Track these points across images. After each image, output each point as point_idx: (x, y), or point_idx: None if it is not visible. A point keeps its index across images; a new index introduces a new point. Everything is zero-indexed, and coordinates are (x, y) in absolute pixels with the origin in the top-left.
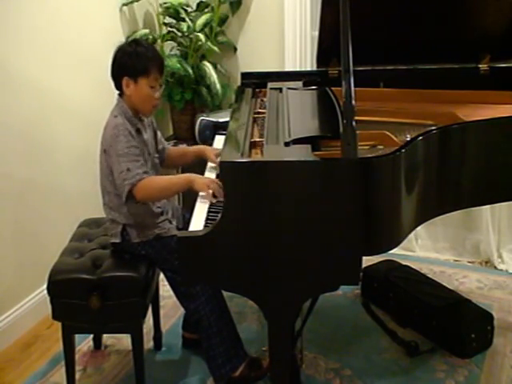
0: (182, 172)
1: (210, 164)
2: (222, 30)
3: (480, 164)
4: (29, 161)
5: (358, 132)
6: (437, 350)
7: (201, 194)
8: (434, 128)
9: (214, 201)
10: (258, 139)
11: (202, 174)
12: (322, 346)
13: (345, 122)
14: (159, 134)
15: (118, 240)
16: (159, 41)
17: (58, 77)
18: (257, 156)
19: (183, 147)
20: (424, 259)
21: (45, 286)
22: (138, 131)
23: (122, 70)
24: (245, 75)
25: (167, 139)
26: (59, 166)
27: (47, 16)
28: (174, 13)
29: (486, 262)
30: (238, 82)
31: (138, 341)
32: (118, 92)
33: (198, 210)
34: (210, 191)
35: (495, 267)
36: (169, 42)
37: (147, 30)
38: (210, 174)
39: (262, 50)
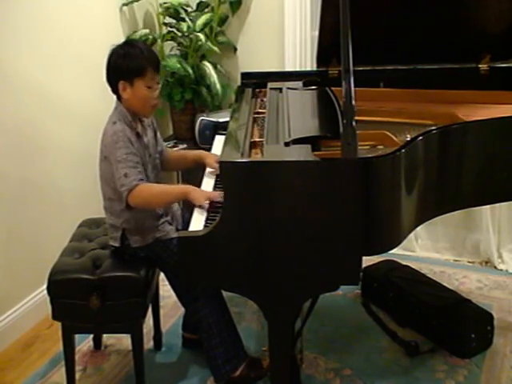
0: (182, 176)
1: (208, 169)
2: (222, 30)
3: (480, 164)
4: (28, 162)
5: (358, 132)
6: (437, 349)
7: (203, 185)
8: (433, 128)
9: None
10: (257, 139)
11: (202, 175)
12: (322, 346)
13: (345, 121)
14: (159, 134)
15: (117, 244)
16: (159, 41)
17: (58, 77)
18: (257, 156)
19: (183, 151)
20: (424, 259)
21: (45, 286)
22: (138, 135)
23: (116, 73)
24: (245, 75)
25: (167, 139)
26: (58, 168)
27: (47, 16)
28: (174, 13)
29: (486, 262)
30: (238, 82)
31: (138, 341)
32: (116, 96)
33: (198, 209)
34: (207, 202)
35: (495, 267)
36: (169, 41)
37: (147, 30)
38: (209, 180)
39: (262, 50)
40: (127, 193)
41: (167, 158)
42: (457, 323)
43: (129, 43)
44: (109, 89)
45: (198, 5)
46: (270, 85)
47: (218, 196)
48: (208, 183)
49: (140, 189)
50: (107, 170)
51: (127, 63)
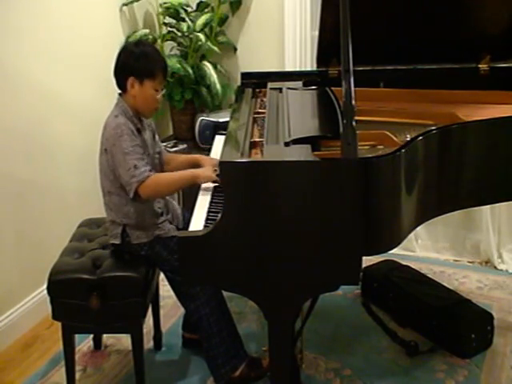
0: None
1: None
2: (222, 30)
3: (480, 164)
4: (29, 161)
5: (358, 132)
6: (437, 349)
7: (203, 186)
8: (433, 128)
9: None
10: (257, 139)
11: None
12: (322, 346)
13: (345, 121)
14: (157, 137)
15: (117, 241)
16: (159, 41)
17: (58, 77)
18: (257, 156)
19: (180, 155)
20: (424, 259)
21: (45, 286)
22: (139, 131)
23: (128, 69)
24: (245, 75)
25: (167, 139)
26: (59, 166)
27: (47, 16)
28: (174, 13)
29: (486, 262)
30: (238, 82)
31: (137, 341)
32: (118, 91)
33: (198, 209)
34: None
35: (495, 267)
36: (169, 41)
37: (147, 30)
38: None
39: (262, 50)
40: (138, 184)
41: (165, 161)
42: (457, 323)
43: (143, 43)
44: (110, 88)
45: (198, 5)
46: (269, 85)
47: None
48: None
49: (151, 180)
50: (107, 163)
51: (142, 63)
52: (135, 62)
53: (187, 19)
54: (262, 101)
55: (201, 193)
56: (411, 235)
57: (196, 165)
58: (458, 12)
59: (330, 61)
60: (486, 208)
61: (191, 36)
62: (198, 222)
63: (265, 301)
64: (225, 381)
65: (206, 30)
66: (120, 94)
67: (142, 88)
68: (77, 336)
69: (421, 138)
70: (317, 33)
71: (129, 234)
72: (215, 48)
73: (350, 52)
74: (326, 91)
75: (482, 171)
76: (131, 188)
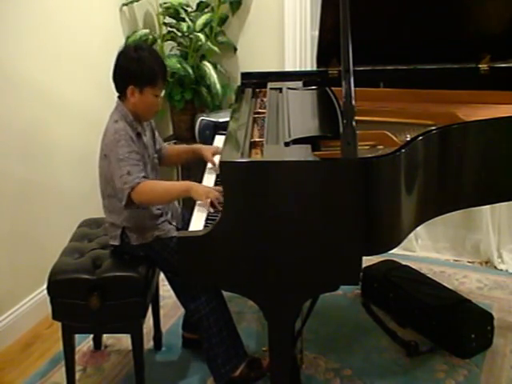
0: (182, 170)
1: (209, 165)
2: (222, 30)
3: (480, 164)
4: (29, 161)
5: (357, 132)
6: (437, 350)
7: (198, 202)
8: (433, 128)
9: (212, 210)
10: (257, 139)
11: (202, 174)
12: (322, 345)
13: (345, 121)
14: (157, 133)
15: (117, 243)
16: (159, 41)
17: (58, 77)
18: (257, 156)
19: (181, 146)
20: (424, 259)
21: (45, 286)
22: (139, 135)
23: (127, 77)
24: (245, 75)
25: (167, 139)
26: (59, 166)
27: (47, 16)
28: (174, 13)
29: (486, 262)
30: (238, 82)
31: (138, 341)
32: (117, 95)
33: (198, 209)
34: (208, 200)
35: (495, 267)
36: (169, 41)
37: (147, 30)
38: (210, 176)
39: (262, 50)
40: (130, 190)
41: (167, 154)
42: (457, 323)
43: (141, 48)
44: (109, 88)
45: (198, 5)
46: (269, 85)
47: (219, 195)
48: (209, 179)
49: (143, 186)
50: (107, 168)
51: (141, 70)
52: (134, 70)
53: (187, 19)
54: (262, 101)
55: (198, 201)
56: (411, 235)
57: (197, 154)
58: (458, 12)
59: (329, 61)
60: (486, 208)
61: (191, 36)
62: (197, 222)
63: (265, 301)
64: (225, 381)
65: (206, 29)
66: (119, 98)
67: (142, 96)
68: (77, 336)
69: (421, 138)
70: (317, 33)
71: (128, 235)
72: (215, 48)
73: (350, 52)
74: (326, 91)
75: (482, 171)
76: (124, 194)
